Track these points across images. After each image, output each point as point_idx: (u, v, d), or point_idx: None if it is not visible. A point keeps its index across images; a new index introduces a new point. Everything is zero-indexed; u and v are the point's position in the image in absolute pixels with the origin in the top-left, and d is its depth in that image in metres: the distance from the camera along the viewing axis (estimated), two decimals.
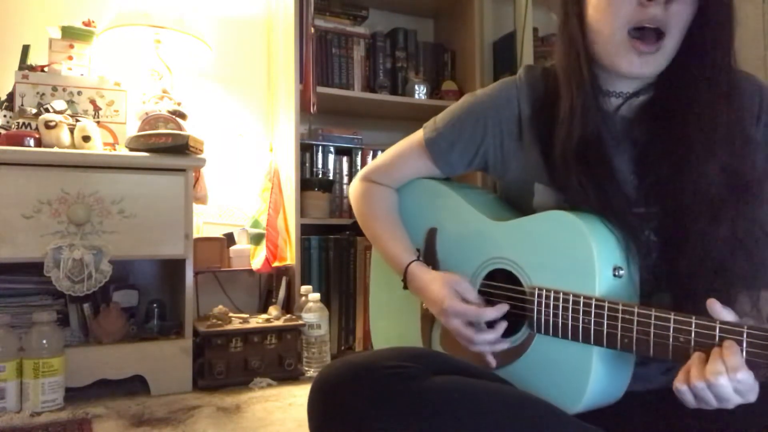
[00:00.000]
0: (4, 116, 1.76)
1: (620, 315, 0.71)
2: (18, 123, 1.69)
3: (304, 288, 1.98)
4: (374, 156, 2.31)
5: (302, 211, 2.09)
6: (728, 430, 0.70)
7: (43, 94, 1.76)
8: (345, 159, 2.31)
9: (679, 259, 0.78)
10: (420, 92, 2.35)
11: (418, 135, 1.03)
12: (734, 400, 0.63)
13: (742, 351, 0.62)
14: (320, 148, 2.26)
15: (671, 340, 0.67)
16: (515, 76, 0.95)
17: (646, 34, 0.78)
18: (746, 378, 0.61)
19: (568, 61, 0.85)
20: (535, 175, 0.90)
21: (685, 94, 0.80)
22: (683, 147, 0.79)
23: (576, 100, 0.83)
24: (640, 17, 0.77)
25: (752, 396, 0.63)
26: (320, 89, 2.12)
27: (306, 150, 2.23)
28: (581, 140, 0.82)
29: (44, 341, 1.52)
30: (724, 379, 0.61)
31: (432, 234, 1.03)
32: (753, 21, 1.97)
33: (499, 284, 0.89)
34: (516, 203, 0.97)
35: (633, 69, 0.80)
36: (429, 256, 1.02)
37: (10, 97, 1.77)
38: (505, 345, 0.85)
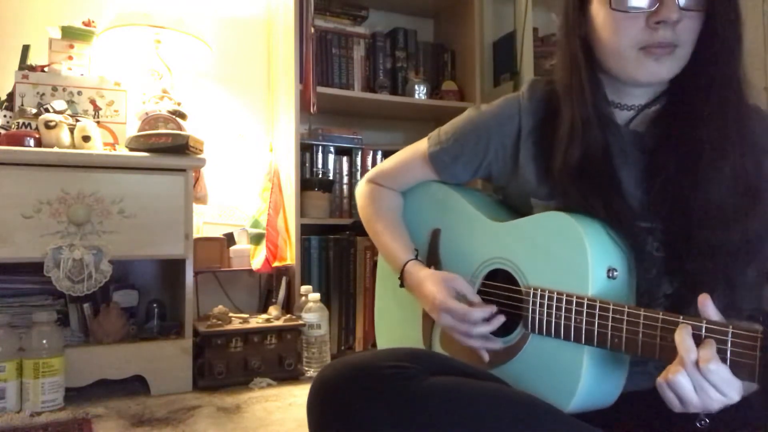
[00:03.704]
0: (4, 116, 1.76)
1: (611, 315, 0.72)
2: (18, 123, 1.69)
3: (304, 288, 1.98)
4: (374, 156, 2.32)
5: (302, 211, 2.09)
6: (730, 427, 0.70)
7: (43, 94, 1.76)
8: (345, 159, 2.31)
9: (682, 270, 0.77)
10: (420, 92, 2.35)
11: (423, 146, 1.03)
12: (712, 393, 0.62)
13: (726, 351, 0.61)
14: (320, 148, 2.26)
15: (659, 339, 0.67)
16: (519, 92, 0.95)
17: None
18: (719, 369, 0.61)
19: (569, 79, 0.85)
20: (531, 190, 0.91)
21: (696, 99, 0.80)
22: (694, 151, 0.78)
23: (576, 119, 0.83)
24: (649, 40, 0.77)
25: (734, 394, 0.62)
26: (320, 89, 2.12)
27: (306, 150, 2.23)
28: (583, 157, 0.82)
29: (44, 341, 1.52)
30: (692, 357, 0.61)
31: (435, 235, 1.04)
32: (753, 21, 1.97)
33: (497, 284, 0.90)
34: (517, 209, 0.97)
35: (652, 76, 0.79)
36: (432, 257, 1.03)
37: (10, 97, 1.77)
38: (497, 344, 0.86)
